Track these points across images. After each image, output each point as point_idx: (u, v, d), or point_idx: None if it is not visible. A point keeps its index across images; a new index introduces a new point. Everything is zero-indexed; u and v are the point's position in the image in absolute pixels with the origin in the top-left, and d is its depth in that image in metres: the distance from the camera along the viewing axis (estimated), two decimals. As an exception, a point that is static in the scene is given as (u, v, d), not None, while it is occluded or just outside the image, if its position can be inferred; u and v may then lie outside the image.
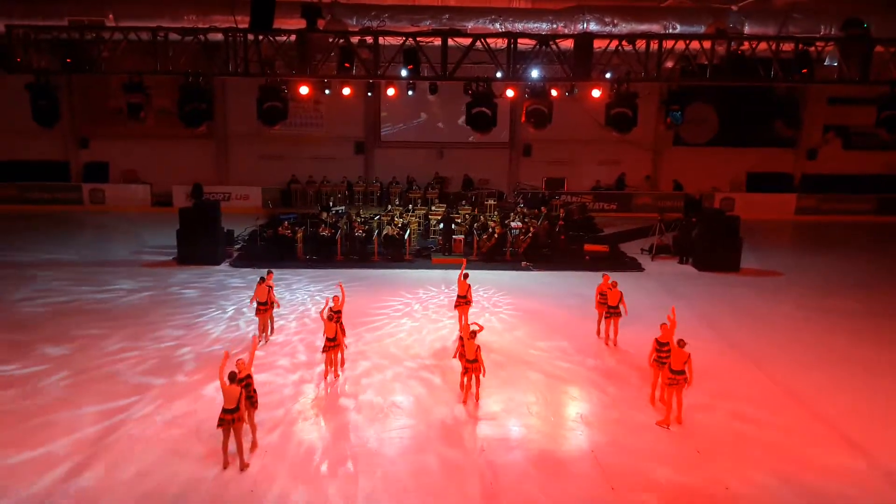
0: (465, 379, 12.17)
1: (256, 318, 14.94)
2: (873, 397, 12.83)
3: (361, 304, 17.27)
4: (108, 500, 9.29)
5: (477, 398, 12.17)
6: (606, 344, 15.07)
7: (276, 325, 15.48)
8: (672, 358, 11.40)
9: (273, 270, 15.82)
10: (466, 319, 14.71)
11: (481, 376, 12.11)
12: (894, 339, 15.76)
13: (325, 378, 12.97)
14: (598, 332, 15.42)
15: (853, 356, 14.77)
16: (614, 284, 14.78)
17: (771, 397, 12.76)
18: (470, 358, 11.92)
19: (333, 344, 12.84)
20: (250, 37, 16.34)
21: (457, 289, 15.05)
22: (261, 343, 14.26)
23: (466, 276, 15.08)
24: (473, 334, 11.93)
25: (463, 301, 14.97)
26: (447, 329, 15.84)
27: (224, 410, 9.88)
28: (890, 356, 14.83)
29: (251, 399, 10.49)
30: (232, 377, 9.93)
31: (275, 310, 15.25)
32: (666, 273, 20.99)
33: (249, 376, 10.52)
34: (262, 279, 14.75)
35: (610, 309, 14.76)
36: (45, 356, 13.85)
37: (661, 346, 11.83)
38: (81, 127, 30.18)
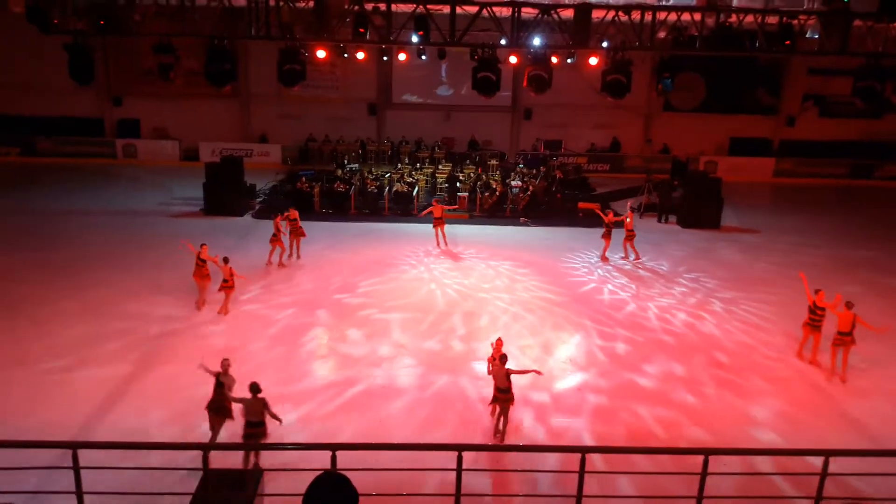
0: (495, 410, 9.70)
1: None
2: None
3: (373, 255, 17.43)
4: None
5: (503, 435, 9.57)
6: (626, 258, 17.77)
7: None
8: (840, 321, 11.24)
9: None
10: (444, 233, 18.07)
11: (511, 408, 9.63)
12: (856, 290, 15.81)
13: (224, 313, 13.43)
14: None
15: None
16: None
17: (744, 345, 12.94)
18: (501, 387, 9.40)
19: (228, 285, 13.35)
20: (271, 2, 16.06)
21: (434, 211, 18.00)
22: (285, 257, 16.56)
23: (439, 199, 18.53)
24: (504, 359, 9.41)
25: (439, 221, 17.88)
26: (453, 280, 16.01)
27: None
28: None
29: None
30: (255, 389, 8.32)
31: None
32: (653, 229, 21.00)
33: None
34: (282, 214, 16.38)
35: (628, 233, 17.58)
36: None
37: (817, 310, 11.68)
38: (115, 86, 29.85)
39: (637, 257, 17.77)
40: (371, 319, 13.45)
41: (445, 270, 16.56)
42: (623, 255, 17.89)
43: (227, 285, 13.31)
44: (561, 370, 11.62)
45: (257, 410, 8.20)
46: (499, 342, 9.93)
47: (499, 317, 13.76)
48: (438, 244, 18.08)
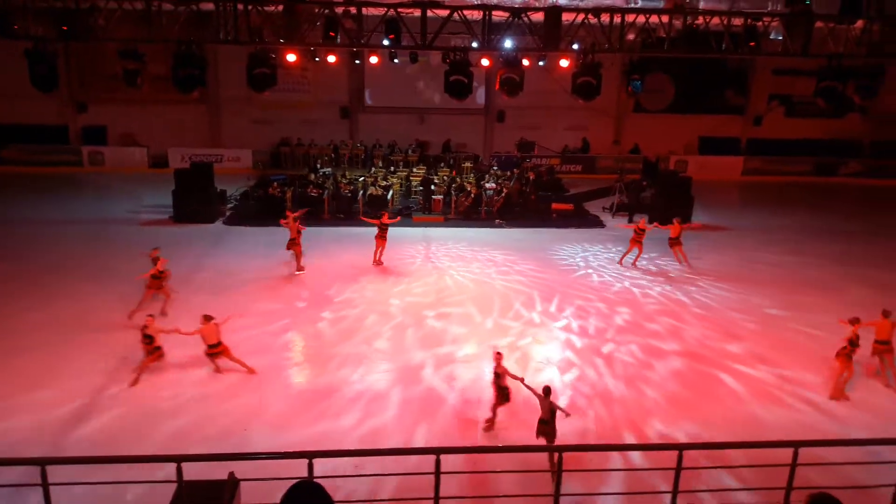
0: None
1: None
2: (798, 331, 13.52)
3: (349, 260, 17.33)
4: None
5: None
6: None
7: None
8: (878, 330, 10.95)
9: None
10: (383, 250, 16.91)
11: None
12: (820, 284, 16.34)
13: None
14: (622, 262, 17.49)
15: (784, 296, 15.37)
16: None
17: (717, 333, 13.19)
18: (545, 418, 8.80)
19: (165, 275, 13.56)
20: (240, 6, 15.92)
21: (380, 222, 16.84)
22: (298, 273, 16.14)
23: (385, 214, 17.14)
24: (548, 391, 8.85)
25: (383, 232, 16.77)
26: (429, 283, 16.02)
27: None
28: (815, 297, 15.40)
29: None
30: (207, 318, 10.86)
31: None
32: (625, 228, 21.18)
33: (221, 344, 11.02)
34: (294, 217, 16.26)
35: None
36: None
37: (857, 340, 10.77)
38: (80, 92, 29.32)
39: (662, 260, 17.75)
40: (351, 323, 13.37)
41: (424, 275, 16.55)
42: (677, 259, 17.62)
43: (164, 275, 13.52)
44: (536, 370, 11.66)
45: (212, 334, 10.77)
46: (497, 356, 9.63)
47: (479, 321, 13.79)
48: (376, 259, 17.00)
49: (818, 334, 13.10)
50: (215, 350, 10.96)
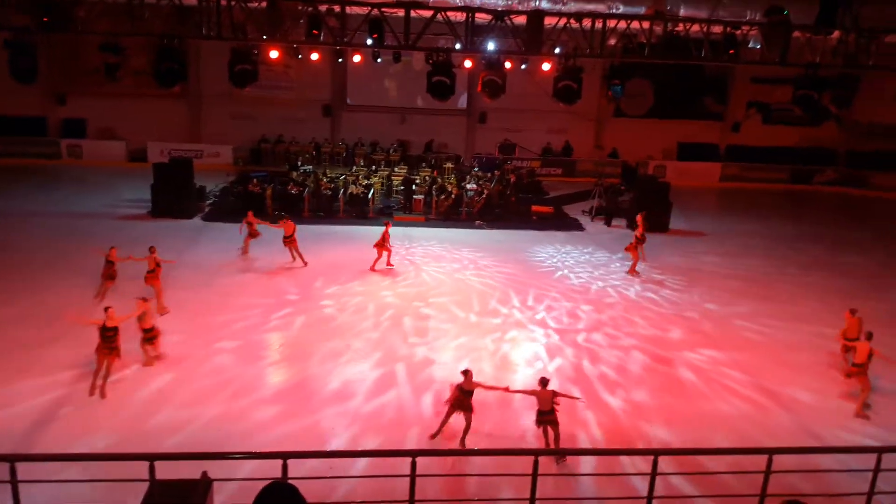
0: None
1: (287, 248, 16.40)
2: (771, 335, 13.81)
3: (330, 258, 17.28)
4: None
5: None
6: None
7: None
8: (847, 329, 11.32)
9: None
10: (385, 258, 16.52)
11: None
12: (794, 291, 16.63)
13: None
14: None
15: (760, 303, 15.58)
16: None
17: (693, 337, 13.42)
18: (545, 409, 9.05)
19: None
20: (223, 2, 15.79)
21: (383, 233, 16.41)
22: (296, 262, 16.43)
23: (388, 224, 16.83)
24: (545, 382, 9.18)
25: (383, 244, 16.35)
26: (408, 280, 16.05)
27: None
28: (794, 305, 15.65)
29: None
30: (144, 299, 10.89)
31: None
32: (603, 232, 21.41)
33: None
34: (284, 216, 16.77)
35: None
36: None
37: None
38: (59, 84, 28.81)
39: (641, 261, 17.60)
40: (330, 323, 13.34)
41: (404, 272, 16.55)
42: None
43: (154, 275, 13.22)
44: (516, 373, 11.73)
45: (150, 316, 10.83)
46: (466, 374, 9.25)
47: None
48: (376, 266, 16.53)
49: (775, 334, 13.82)
50: (150, 335, 11.02)
